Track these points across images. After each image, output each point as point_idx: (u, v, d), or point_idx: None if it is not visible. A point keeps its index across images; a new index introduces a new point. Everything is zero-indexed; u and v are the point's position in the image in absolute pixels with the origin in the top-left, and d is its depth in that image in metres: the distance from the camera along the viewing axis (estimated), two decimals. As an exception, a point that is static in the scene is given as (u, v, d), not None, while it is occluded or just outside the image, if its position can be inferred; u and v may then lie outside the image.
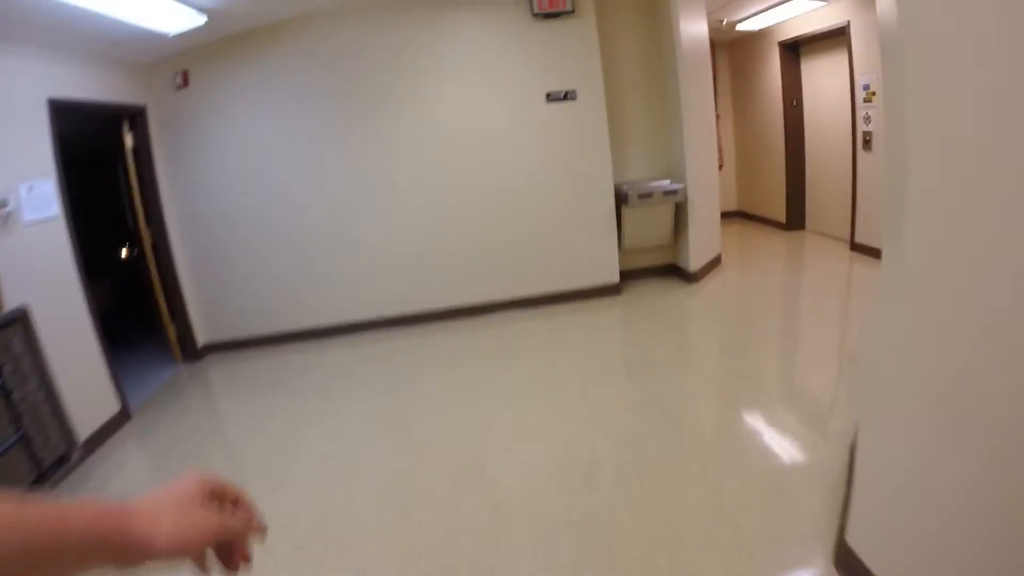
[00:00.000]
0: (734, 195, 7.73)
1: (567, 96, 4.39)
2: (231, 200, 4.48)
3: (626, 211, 4.56)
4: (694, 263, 4.82)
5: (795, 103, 6.41)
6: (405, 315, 4.64)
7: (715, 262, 5.29)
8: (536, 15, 4.24)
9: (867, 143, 5.21)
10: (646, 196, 4.49)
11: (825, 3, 4.90)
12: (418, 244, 4.54)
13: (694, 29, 4.74)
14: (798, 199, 6.66)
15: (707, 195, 5.04)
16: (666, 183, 4.67)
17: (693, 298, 4.57)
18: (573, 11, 4.24)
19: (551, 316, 4.48)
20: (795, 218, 6.70)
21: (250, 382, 4.08)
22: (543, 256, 4.62)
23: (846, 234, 5.89)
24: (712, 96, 5.27)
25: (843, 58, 5.49)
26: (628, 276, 5.02)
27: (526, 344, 4.02)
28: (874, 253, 5.25)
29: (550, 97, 4.38)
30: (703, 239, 4.95)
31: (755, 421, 2.71)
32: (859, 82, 5.18)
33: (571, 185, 4.52)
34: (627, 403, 3.01)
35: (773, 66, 6.47)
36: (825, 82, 6.00)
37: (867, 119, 5.17)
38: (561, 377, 3.40)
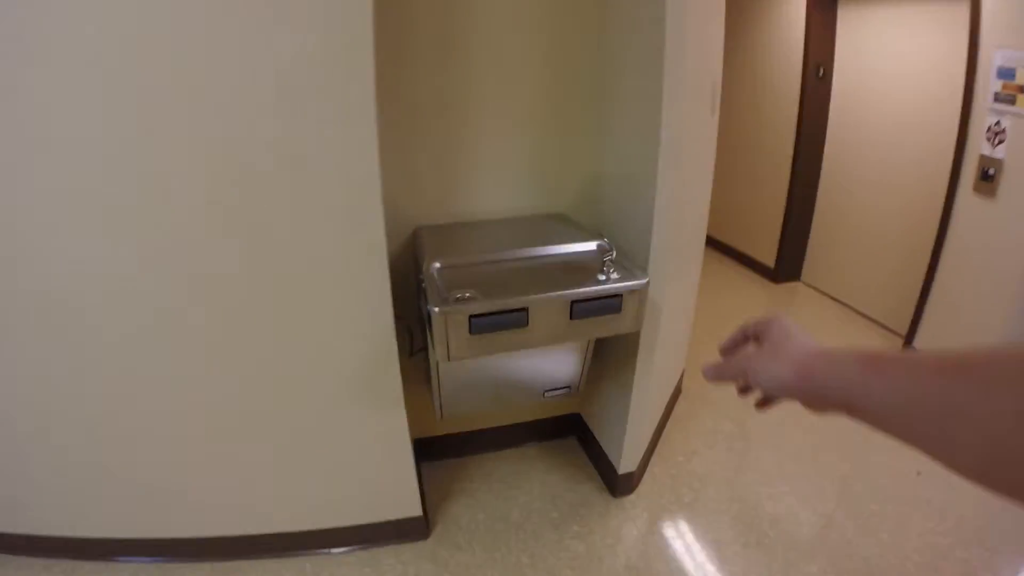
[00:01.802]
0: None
1: None
2: None
3: (443, 367, 1.64)
4: (631, 454, 2.05)
5: (821, 72, 3.67)
6: None
7: (674, 398, 2.60)
8: None
9: (988, 177, 2.58)
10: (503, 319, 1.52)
11: None
12: None
13: None
14: (798, 234, 4.06)
15: (682, 282, 2.23)
16: (586, 249, 1.62)
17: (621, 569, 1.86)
18: None
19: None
20: (789, 262, 4.14)
21: None
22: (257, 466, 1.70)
23: (879, 313, 3.41)
24: (722, 32, 2.37)
25: (950, 14, 2.74)
26: (465, 445, 2.24)
27: None
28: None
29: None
30: (656, 389, 2.20)
31: None
32: (990, 61, 2.47)
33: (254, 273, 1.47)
34: None
35: (790, 7, 3.65)
36: (892, 46, 3.26)
37: (996, 135, 2.52)
38: None
